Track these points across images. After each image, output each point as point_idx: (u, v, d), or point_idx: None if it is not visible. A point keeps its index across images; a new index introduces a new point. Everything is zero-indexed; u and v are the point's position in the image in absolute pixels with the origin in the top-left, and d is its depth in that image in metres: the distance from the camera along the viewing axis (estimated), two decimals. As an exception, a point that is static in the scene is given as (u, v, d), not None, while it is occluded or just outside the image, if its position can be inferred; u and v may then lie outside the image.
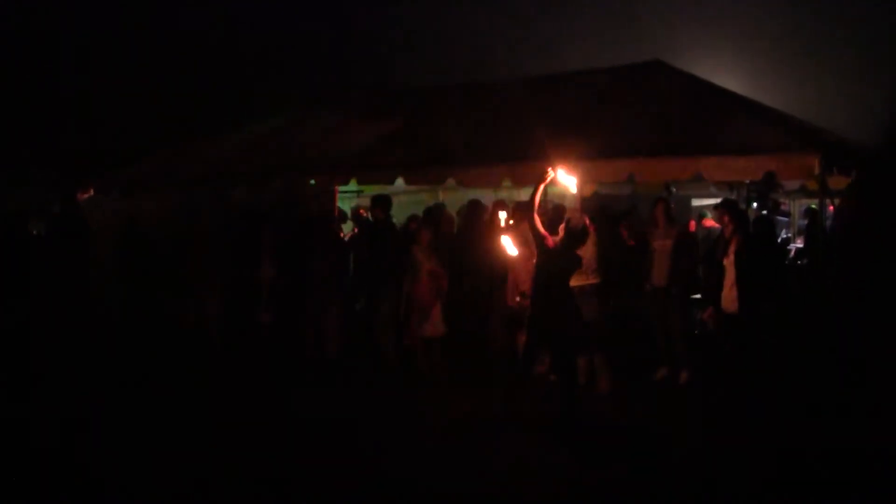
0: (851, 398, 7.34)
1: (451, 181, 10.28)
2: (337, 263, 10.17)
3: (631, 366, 9.14)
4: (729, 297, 8.24)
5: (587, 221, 7.67)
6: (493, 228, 9.27)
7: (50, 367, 9.64)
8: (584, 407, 7.66)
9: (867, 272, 6.63)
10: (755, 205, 10.21)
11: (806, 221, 13.24)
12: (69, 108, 24.52)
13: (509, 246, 8.25)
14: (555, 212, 9.50)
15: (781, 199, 12.08)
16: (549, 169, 7.57)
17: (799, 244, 13.42)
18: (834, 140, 9.57)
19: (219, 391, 9.09)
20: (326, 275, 9.93)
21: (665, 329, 9.27)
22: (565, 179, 7.68)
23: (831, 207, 9.72)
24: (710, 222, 12.38)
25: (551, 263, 7.44)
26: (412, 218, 10.68)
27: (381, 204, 10.06)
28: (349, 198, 13.10)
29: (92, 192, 13.09)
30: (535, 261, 7.69)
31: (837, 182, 8.98)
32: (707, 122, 9.33)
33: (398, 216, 11.16)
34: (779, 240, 11.87)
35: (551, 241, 7.46)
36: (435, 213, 10.86)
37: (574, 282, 7.71)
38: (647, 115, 9.97)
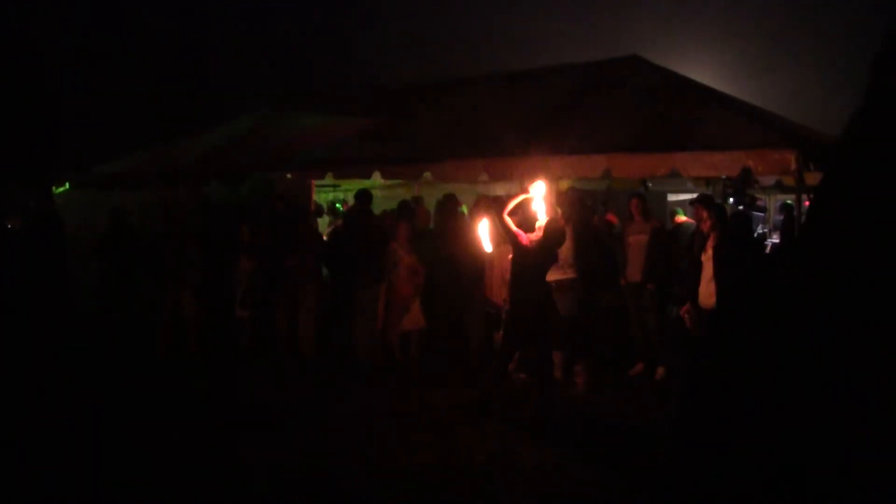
0: (829, 395, 7.35)
1: (427, 175, 10.24)
2: (312, 258, 10.12)
3: (607, 361, 9.14)
4: (706, 292, 8.24)
5: (559, 216, 7.67)
6: (469, 223, 9.27)
7: (21, 363, 9.56)
8: (559, 402, 7.65)
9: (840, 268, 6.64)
10: (732, 200, 10.22)
11: (782, 217, 13.30)
12: (45, 106, 24.36)
13: (486, 242, 8.23)
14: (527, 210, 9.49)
15: (758, 195, 12.11)
16: (529, 188, 7.64)
17: (775, 240, 13.48)
18: (811, 136, 9.59)
19: (195, 387, 9.03)
20: (301, 270, 9.88)
21: (641, 324, 9.28)
22: (538, 190, 7.69)
23: (807, 203, 9.73)
24: (681, 218, 12.40)
25: (527, 260, 7.43)
26: (388, 213, 10.64)
27: (361, 199, 10.02)
28: (325, 192, 13.04)
29: (67, 186, 13.01)
30: (510, 258, 7.70)
31: (814, 178, 9.00)
32: (684, 117, 9.33)
33: (375, 211, 11.12)
34: (755, 235, 11.89)
35: (525, 238, 7.45)
36: (410, 208, 10.82)
37: (550, 276, 7.71)
38: (623, 110, 9.97)
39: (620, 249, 9.41)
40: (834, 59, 25.92)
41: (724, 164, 8.61)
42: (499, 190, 11.92)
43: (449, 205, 10.23)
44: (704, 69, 22.40)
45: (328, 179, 11.10)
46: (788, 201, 13.00)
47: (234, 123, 13.94)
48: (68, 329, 10.75)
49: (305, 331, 9.99)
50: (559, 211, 7.80)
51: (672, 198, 14.80)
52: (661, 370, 9.11)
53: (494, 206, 9.00)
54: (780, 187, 12.47)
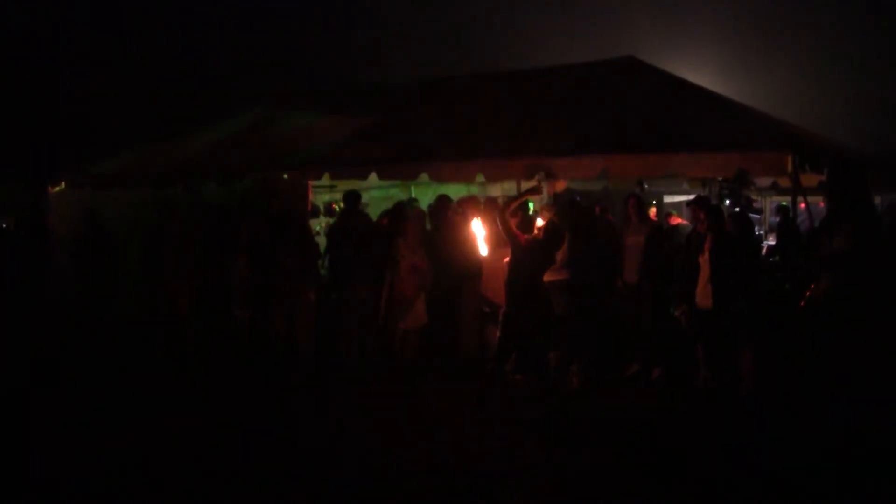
0: (826, 395, 7.37)
1: (424, 176, 10.24)
2: (308, 258, 10.11)
3: (603, 362, 9.14)
4: (703, 293, 8.25)
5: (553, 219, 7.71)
6: (463, 224, 9.27)
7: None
8: (555, 403, 7.67)
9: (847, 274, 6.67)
10: (728, 202, 10.25)
11: (777, 219, 13.31)
12: (44, 105, 24.34)
13: (481, 244, 8.26)
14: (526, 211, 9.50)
15: (753, 197, 12.14)
16: (539, 183, 7.66)
17: (771, 241, 13.50)
18: (806, 137, 9.62)
19: (192, 388, 9.05)
20: (297, 270, 9.86)
21: (637, 325, 9.28)
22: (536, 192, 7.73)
23: (802, 205, 9.75)
24: (676, 220, 12.41)
25: (525, 261, 7.45)
26: (384, 213, 10.64)
27: (348, 200, 10.05)
28: (322, 192, 13.02)
29: (63, 186, 12.98)
30: (507, 259, 7.72)
31: (809, 179, 9.02)
32: (680, 118, 9.34)
33: (372, 212, 11.12)
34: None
35: (524, 239, 7.47)
36: (403, 209, 10.79)
37: (545, 277, 7.72)
38: (620, 111, 9.97)
39: (618, 250, 9.40)
40: (830, 60, 25.99)
41: (720, 165, 8.63)
42: (495, 191, 11.95)
43: (445, 206, 10.23)
44: (700, 70, 22.47)
45: (325, 180, 11.09)
46: (784, 202, 13.03)
47: (229, 122, 13.91)
48: (53, 328, 10.75)
49: (303, 331, 9.97)
50: (552, 213, 7.83)
51: (668, 199, 14.83)
52: (656, 371, 9.11)
53: (482, 206, 9.08)
54: (775, 188, 12.50)
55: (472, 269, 9.15)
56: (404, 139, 10.72)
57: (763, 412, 7.51)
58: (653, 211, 11.79)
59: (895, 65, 26.17)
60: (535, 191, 8.24)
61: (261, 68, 27.26)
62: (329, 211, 12.11)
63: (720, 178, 10.57)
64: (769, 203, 15.55)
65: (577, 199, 10.23)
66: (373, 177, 10.36)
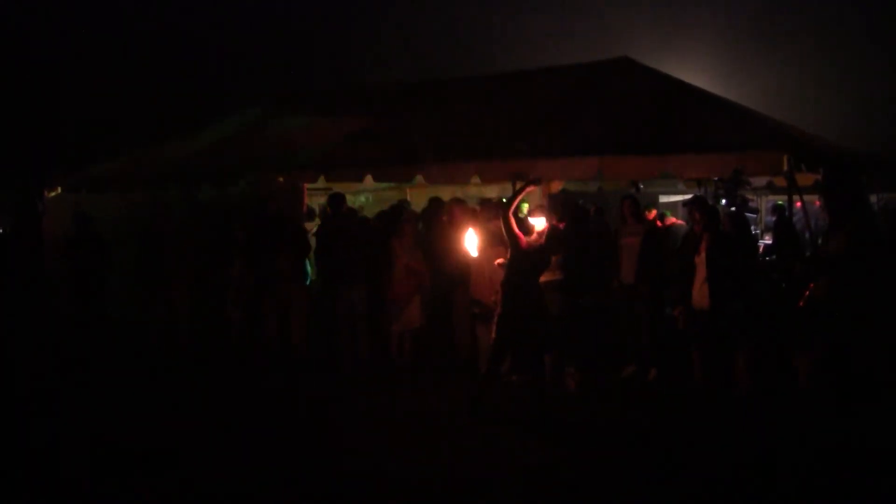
0: (821, 393, 7.37)
1: (419, 178, 10.22)
2: (301, 260, 10.12)
3: (599, 363, 9.13)
4: (700, 293, 8.25)
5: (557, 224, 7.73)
6: (453, 226, 9.27)
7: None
8: (551, 404, 7.66)
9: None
10: (723, 202, 10.24)
11: (773, 218, 13.30)
12: (38, 108, 24.30)
13: (471, 246, 8.26)
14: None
15: (749, 196, 12.13)
16: (536, 180, 7.67)
17: (767, 241, 13.48)
18: (802, 137, 9.61)
19: (187, 388, 9.02)
20: (290, 271, 9.86)
21: (633, 326, 9.27)
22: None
23: (798, 204, 9.76)
24: (671, 220, 12.40)
25: (524, 263, 7.45)
26: (379, 215, 10.64)
27: (333, 202, 10.08)
28: (318, 195, 13.00)
29: (59, 190, 12.95)
30: (501, 260, 7.72)
31: (805, 179, 9.02)
32: (675, 119, 9.34)
33: (366, 214, 11.11)
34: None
35: (524, 241, 7.47)
36: (397, 211, 10.79)
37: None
38: (615, 112, 9.98)
39: (614, 251, 9.38)
40: (826, 60, 25.99)
41: (715, 165, 8.62)
42: (490, 192, 11.93)
43: (438, 208, 10.23)
44: (695, 71, 22.46)
45: (320, 183, 11.08)
46: (780, 202, 13.01)
47: (226, 124, 13.89)
48: (47, 330, 10.74)
49: (296, 332, 9.97)
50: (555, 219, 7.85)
51: (664, 199, 14.81)
52: (653, 372, 9.09)
53: (468, 209, 9.12)
54: (771, 188, 12.50)
55: (464, 270, 9.15)
56: (399, 141, 10.71)
57: (759, 412, 7.51)
58: (652, 212, 11.76)
59: (895, 65, 26.18)
60: (534, 182, 8.15)
61: (259, 69, 27.24)
62: (324, 213, 12.09)
63: (716, 178, 10.58)
64: (765, 202, 15.53)
65: (581, 201, 10.26)
66: (368, 179, 10.35)
